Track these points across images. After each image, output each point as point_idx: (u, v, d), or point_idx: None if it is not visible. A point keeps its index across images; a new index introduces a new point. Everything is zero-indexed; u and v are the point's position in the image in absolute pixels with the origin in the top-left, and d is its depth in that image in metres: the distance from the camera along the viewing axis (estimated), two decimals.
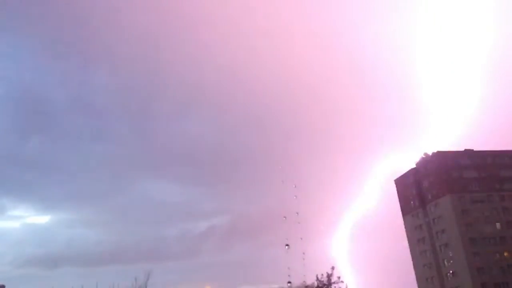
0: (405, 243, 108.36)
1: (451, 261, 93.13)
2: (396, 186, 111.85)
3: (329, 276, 43.37)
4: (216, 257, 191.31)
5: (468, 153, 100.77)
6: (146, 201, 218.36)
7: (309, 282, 47.69)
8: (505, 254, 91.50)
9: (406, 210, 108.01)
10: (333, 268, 43.61)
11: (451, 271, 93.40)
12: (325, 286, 43.49)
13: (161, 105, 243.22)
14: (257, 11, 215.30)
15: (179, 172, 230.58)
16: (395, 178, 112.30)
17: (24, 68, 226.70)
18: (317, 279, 44.30)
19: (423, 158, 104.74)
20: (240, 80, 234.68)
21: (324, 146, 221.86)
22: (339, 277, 43.47)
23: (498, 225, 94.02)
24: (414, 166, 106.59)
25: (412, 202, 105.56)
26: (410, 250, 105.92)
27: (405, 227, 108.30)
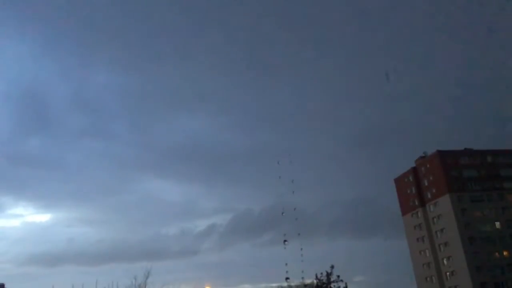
0: (404, 242, 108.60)
1: (451, 260, 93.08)
2: (396, 185, 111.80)
3: (328, 275, 43.33)
4: (216, 256, 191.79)
5: (468, 152, 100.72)
6: (146, 199, 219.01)
7: (308, 281, 47.65)
8: (505, 253, 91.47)
9: (405, 209, 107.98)
10: (332, 267, 43.60)
11: (450, 270, 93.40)
12: (325, 285, 43.44)
13: (162, 104, 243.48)
14: (257, 11, 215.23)
15: (179, 171, 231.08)
16: (395, 177, 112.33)
17: (25, 67, 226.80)
18: (317, 278, 44.27)
19: (422, 157, 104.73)
20: (240, 79, 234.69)
21: (324, 143, 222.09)
22: (338, 276, 43.44)
23: (497, 224, 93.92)
24: (413, 165, 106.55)
25: (411, 201, 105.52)
26: (410, 249, 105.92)
27: (405, 226, 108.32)
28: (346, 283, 44.10)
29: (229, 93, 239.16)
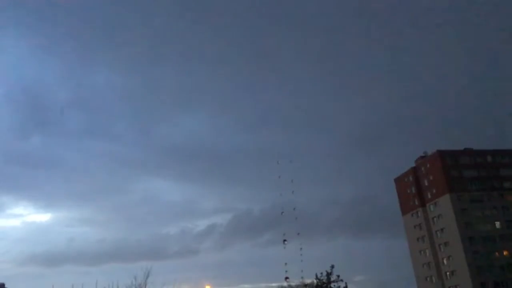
0: (404, 241, 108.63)
1: (451, 260, 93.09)
2: (396, 185, 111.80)
3: (328, 274, 43.25)
4: (216, 256, 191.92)
5: (468, 152, 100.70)
6: (146, 199, 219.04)
7: (308, 281, 47.63)
8: (505, 253, 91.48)
9: (405, 209, 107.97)
10: (332, 266, 43.50)
11: (450, 270, 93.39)
12: (325, 285, 43.37)
13: (162, 103, 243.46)
14: (258, 12, 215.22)
15: (179, 171, 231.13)
16: (395, 177, 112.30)
17: (25, 67, 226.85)
18: (317, 277, 44.20)
19: (422, 157, 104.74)
20: (239, 79, 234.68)
21: (324, 142, 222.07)
22: (338, 276, 43.34)
23: (497, 224, 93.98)
24: (413, 165, 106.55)
25: (411, 201, 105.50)
26: (410, 249, 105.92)
27: (405, 226, 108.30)
28: (346, 283, 44.03)
29: (229, 93, 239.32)
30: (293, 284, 60.89)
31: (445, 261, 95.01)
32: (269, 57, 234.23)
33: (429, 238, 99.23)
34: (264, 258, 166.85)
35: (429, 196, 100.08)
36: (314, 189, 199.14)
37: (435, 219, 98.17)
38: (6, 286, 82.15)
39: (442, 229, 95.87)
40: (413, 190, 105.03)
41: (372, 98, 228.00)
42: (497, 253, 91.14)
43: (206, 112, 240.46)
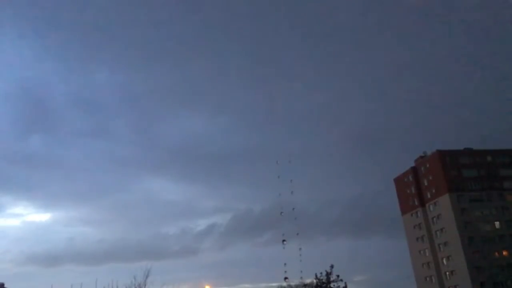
0: (404, 241, 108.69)
1: (450, 260, 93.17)
2: (396, 185, 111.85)
3: (328, 274, 43.32)
4: (216, 255, 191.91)
5: (468, 152, 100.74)
6: (146, 199, 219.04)
7: (308, 280, 47.69)
8: (504, 253, 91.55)
9: (405, 208, 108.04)
10: (332, 266, 43.57)
11: (450, 270, 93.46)
12: (324, 285, 43.42)
13: (162, 103, 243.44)
14: (258, 13, 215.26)
15: (179, 171, 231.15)
16: (395, 176, 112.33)
17: (26, 66, 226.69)
18: (316, 277, 44.27)
19: (422, 156, 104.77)
20: (239, 79, 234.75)
21: (324, 142, 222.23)
22: (338, 276, 43.41)
23: (497, 224, 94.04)
24: (413, 164, 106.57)
25: (411, 201, 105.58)
26: (409, 249, 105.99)
27: (404, 226, 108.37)
28: (345, 283, 44.09)
29: (229, 93, 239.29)
30: (292, 284, 60.92)
31: (444, 261, 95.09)
32: (269, 57, 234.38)
33: (428, 238, 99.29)
34: (264, 258, 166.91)
35: (429, 196, 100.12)
36: (314, 189, 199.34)
37: (434, 219, 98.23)
38: (5, 286, 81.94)
39: (441, 229, 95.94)
40: (412, 190, 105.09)
41: (372, 98, 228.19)
42: (496, 253, 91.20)
43: (206, 112, 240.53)
